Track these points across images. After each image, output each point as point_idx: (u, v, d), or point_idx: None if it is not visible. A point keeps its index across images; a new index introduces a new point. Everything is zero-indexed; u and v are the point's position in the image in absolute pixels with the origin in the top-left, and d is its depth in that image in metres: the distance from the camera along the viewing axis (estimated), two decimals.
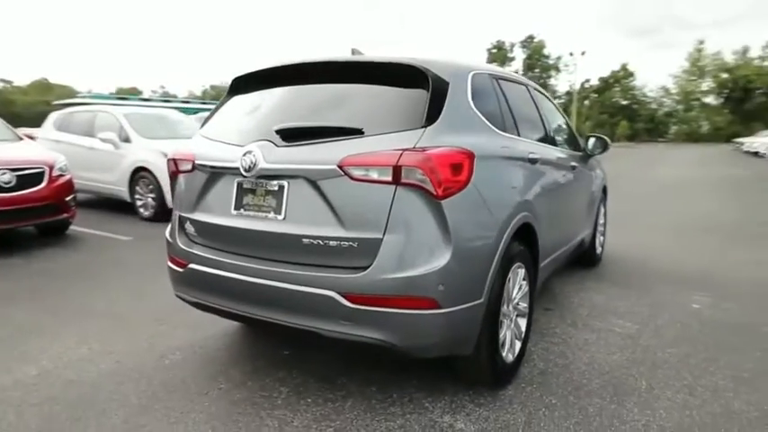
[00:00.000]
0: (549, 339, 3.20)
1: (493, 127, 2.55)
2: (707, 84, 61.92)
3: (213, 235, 2.51)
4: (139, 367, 2.81)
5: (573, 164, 3.83)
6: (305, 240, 2.17)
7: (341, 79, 2.48)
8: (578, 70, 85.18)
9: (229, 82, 2.87)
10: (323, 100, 2.46)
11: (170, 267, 2.75)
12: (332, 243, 2.12)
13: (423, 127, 2.13)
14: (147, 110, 10.27)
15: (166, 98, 33.11)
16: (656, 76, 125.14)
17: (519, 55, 70.70)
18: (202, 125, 2.85)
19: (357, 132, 2.16)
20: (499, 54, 70.87)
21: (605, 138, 4.40)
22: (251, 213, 2.34)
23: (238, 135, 2.46)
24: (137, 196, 7.42)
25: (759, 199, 10.36)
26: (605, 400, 2.48)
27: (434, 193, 2.02)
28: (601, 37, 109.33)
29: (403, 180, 2.02)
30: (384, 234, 2.04)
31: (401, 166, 2.01)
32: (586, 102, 66.76)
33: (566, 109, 67.31)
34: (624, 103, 66.36)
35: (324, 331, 2.16)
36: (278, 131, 2.27)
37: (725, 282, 4.45)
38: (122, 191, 7.58)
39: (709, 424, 2.29)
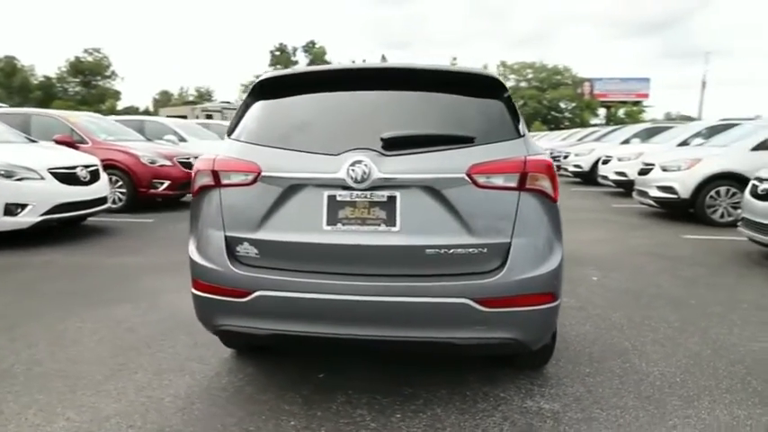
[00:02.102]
0: None
1: None
2: None
3: (294, 255, 2.23)
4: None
5: None
6: (429, 251, 2.14)
7: (410, 86, 2.44)
8: None
9: (257, 81, 2.53)
10: (403, 107, 2.39)
11: (209, 298, 2.33)
12: (459, 251, 2.14)
13: (521, 137, 2.29)
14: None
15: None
16: None
17: (302, 59, 72.33)
18: (232, 130, 2.46)
19: (468, 141, 2.21)
20: (282, 57, 71.33)
21: None
22: (353, 228, 2.17)
23: (321, 143, 2.23)
24: None
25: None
26: (595, 359, 3.02)
27: (552, 196, 2.22)
28: (364, 46, 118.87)
29: (527, 186, 2.16)
30: (512, 237, 2.16)
31: (527, 173, 2.15)
32: None
33: None
34: None
35: (457, 339, 2.16)
36: (386, 139, 2.16)
37: (595, 257, 5.59)
38: None
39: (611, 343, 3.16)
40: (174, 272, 4.83)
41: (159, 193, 8.59)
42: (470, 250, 2.14)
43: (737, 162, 7.52)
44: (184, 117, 21.29)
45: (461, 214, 2.14)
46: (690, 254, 5.86)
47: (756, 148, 7.53)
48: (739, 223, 5.83)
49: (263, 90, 2.51)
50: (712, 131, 10.46)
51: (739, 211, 7.40)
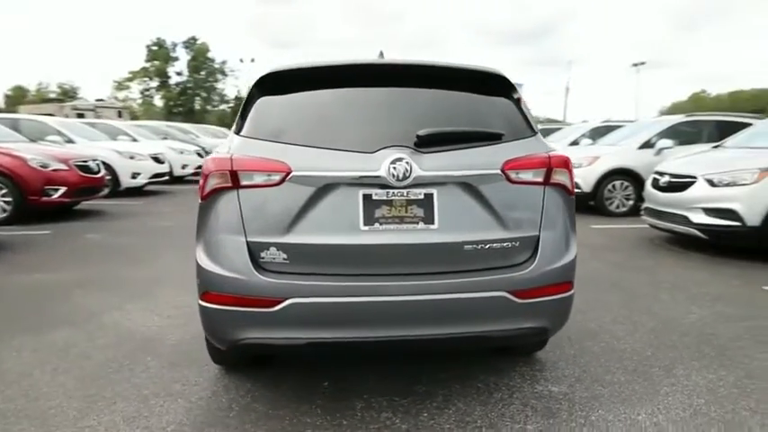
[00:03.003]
0: None
1: None
2: None
3: (329, 258, 2.12)
4: None
5: None
6: (467, 247, 2.16)
7: (428, 82, 2.43)
8: (247, 76, 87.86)
9: (265, 74, 2.37)
10: (425, 103, 2.37)
11: (228, 311, 2.14)
12: (495, 245, 2.19)
13: (536, 134, 2.40)
14: None
15: None
16: None
17: (183, 55, 68.19)
18: (242, 128, 2.27)
19: (497, 137, 2.26)
20: (161, 52, 66.61)
21: None
22: (391, 227, 2.12)
23: (352, 140, 2.15)
24: None
25: None
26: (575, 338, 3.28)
27: (570, 190, 2.35)
28: (253, 46, 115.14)
29: (551, 181, 2.27)
30: (540, 230, 2.25)
31: (552, 168, 2.26)
32: None
33: (237, 113, 68.77)
34: None
35: (493, 332, 2.20)
36: (421, 136, 2.13)
37: None
38: None
39: (581, 325, 3.38)
40: (106, 289, 4.35)
41: (54, 201, 7.60)
42: (505, 244, 2.20)
43: (628, 159, 8.51)
44: (51, 116, 19.03)
45: (496, 209, 2.19)
46: (605, 242, 6.51)
47: (642, 147, 8.57)
48: (642, 212, 6.60)
49: (274, 84, 2.36)
50: (595, 133, 11.70)
51: (631, 202, 8.39)
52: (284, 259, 2.12)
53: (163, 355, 3.06)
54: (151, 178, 10.93)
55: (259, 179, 2.11)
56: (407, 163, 2.08)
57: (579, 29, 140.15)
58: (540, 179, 2.25)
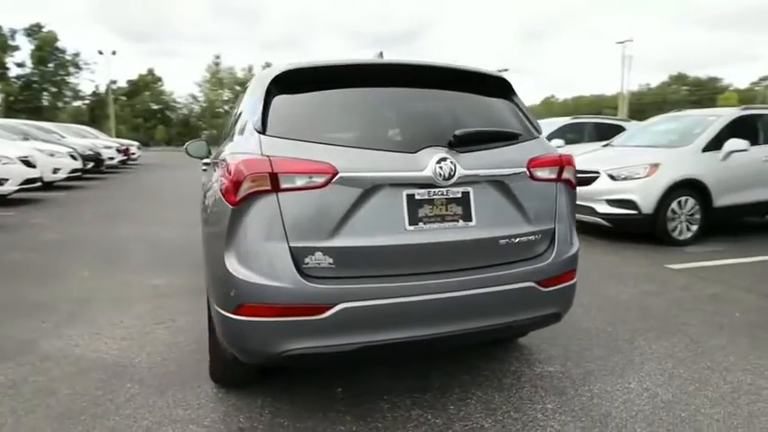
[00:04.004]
0: None
1: None
2: (227, 94, 70.38)
3: (376, 260, 2.09)
4: None
5: None
6: (501, 241, 2.26)
7: (444, 84, 2.49)
8: (106, 70, 79.41)
9: (278, 72, 2.25)
10: (447, 104, 2.43)
11: (269, 322, 2.01)
12: (522, 239, 2.32)
13: (540, 133, 2.58)
14: None
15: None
16: (182, 84, 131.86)
17: (25, 45, 59.95)
18: (264, 126, 2.13)
19: (515, 137, 2.40)
20: None
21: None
22: (434, 225, 2.15)
23: (391, 140, 2.14)
24: None
25: None
26: None
27: (574, 185, 2.56)
28: (98, 34, 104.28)
29: (562, 177, 2.46)
30: (555, 223, 2.44)
31: (563, 166, 2.45)
32: (116, 105, 63.56)
33: (94, 111, 62.11)
34: (156, 107, 67.03)
35: (521, 321, 2.34)
36: (458, 136, 2.18)
37: None
38: None
39: None
40: (24, 314, 3.77)
41: None
42: (530, 237, 2.35)
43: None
44: None
45: (522, 205, 2.33)
46: None
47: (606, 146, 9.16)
48: None
49: (292, 82, 2.26)
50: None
51: None
52: (330, 264, 2.04)
53: (142, 380, 2.75)
54: (22, 184, 9.51)
55: (301, 181, 2.01)
56: (452, 162, 2.13)
57: (444, 35, 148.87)
58: (554, 176, 2.43)
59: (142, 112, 65.47)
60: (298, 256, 2.02)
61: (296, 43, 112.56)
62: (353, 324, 2.04)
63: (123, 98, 66.23)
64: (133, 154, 22.81)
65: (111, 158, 18.22)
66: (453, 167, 2.14)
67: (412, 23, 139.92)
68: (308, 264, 2.03)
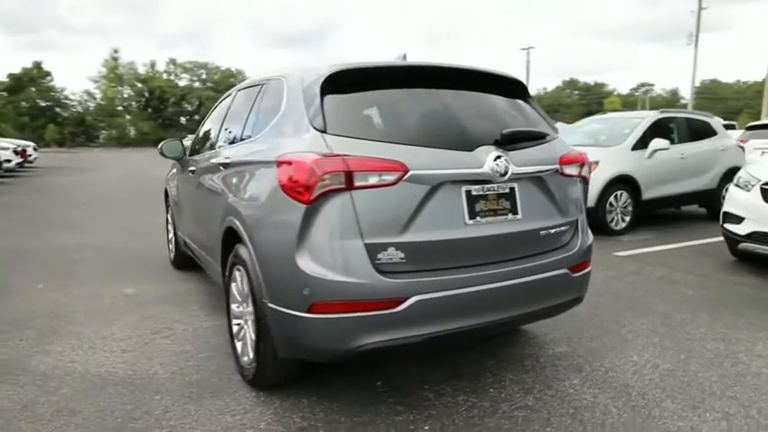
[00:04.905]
0: None
1: None
2: (127, 91, 65.66)
3: (440, 253, 2.19)
4: None
5: None
6: (542, 232, 2.46)
7: (478, 86, 2.64)
8: None
9: (330, 73, 2.27)
10: (485, 105, 2.57)
11: (346, 318, 2.05)
12: (557, 230, 2.54)
13: (558, 133, 2.81)
14: None
15: None
16: (74, 79, 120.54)
17: None
18: (324, 125, 2.15)
19: (543, 137, 2.60)
20: None
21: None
22: (489, 219, 2.29)
23: (448, 139, 2.26)
24: None
25: None
26: None
27: (588, 180, 2.82)
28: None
29: (582, 173, 2.71)
30: (578, 215, 2.68)
31: (583, 163, 2.70)
32: None
33: None
34: (45, 104, 60.95)
35: (555, 305, 2.55)
36: (505, 135, 2.34)
37: None
38: None
39: None
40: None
41: None
42: (562, 228, 2.57)
43: None
44: None
45: (556, 198, 2.54)
46: None
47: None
48: None
49: (345, 82, 2.30)
50: None
51: None
52: (401, 258, 2.11)
53: (169, 391, 2.63)
54: None
55: (373, 179, 2.06)
56: (506, 160, 2.29)
57: (349, 36, 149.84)
58: (576, 172, 2.67)
59: (28, 109, 59.27)
60: (372, 252, 2.07)
61: (199, 39, 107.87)
62: (425, 315, 2.13)
63: (4, 93, 59.54)
64: (30, 156, 20.67)
65: (9, 161, 16.42)
66: (507, 165, 2.29)
67: (319, 23, 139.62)
68: (380, 259, 2.09)
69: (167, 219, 5.34)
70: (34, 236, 6.74)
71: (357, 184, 2.05)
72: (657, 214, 8.08)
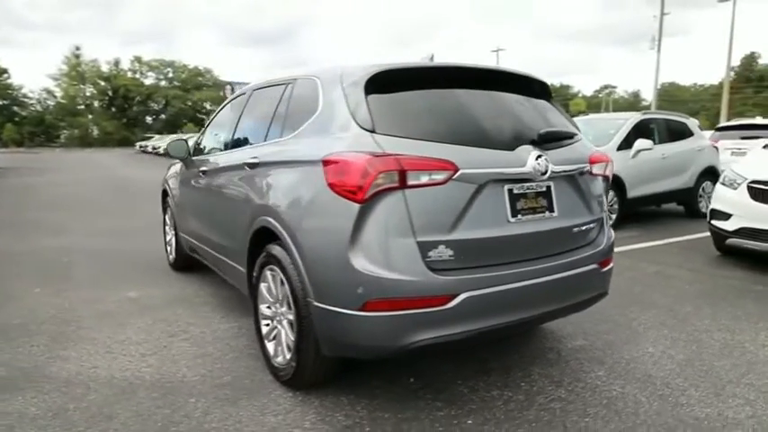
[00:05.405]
0: None
1: None
2: (90, 90, 63.55)
3: (486, 251, 2.24)
4: None
5: None
6: (575, 229, 2.54)
7: (509, 87, 2.69)
8: None
9: (373, 73, 2.29)
10: (517, 106, 2.62)
11: (399, 316, 2.07)
12: (587, 226, 2.63)
13: (580, 133, 2.90)
14: None
15: None
16: (32, 77, 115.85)
17: None
18: (373, 124, 2.17)
19: (572, 137, 2.68)
20: None
21: None
22: (529, 217, 2.35)
23: (491, 139, 2.32)
24: None
25: None
26: None
27: (609, 179, 2.92)
28: None
29: (606, 172, 2.80)
30: (603, 212, 2.78)
31: (608, 163, 2.79)
32: None
33: None
34: (2, 103, 58.39)
35: (586, 299, 2.63)
36: (542, 135, 2.41)
37: None
38: None
39: None
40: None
41: None
42: (591, 225, 2.65)
43: None
44: None
45: (585, 196, 2.62)
46: None
47: None
48: None
49: (387, 82, 2.33)
50: None
51: None
52: (450, 256, 2.15)
53: (203, 393, 2.60)
54: None
55: (425, 178, 2.10)
56: (546, 159, 2.35)
57: (317, 37, 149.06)
58: (601, 171, 2.76)
59: None
60: (423, 250, 2.10)
61: (164, 36, 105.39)
62: (474, 311, 2.18)
63: None
64: None
65: None
66: (547, 164, 2.36)
67: (287, 22, 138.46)
68: (431, 257, 2.12)
69: (165, 220, 5.23)
70: (18, 239, 6.48)
71: (410, 183, 2.08)
72: (638, 212, 8.37)
